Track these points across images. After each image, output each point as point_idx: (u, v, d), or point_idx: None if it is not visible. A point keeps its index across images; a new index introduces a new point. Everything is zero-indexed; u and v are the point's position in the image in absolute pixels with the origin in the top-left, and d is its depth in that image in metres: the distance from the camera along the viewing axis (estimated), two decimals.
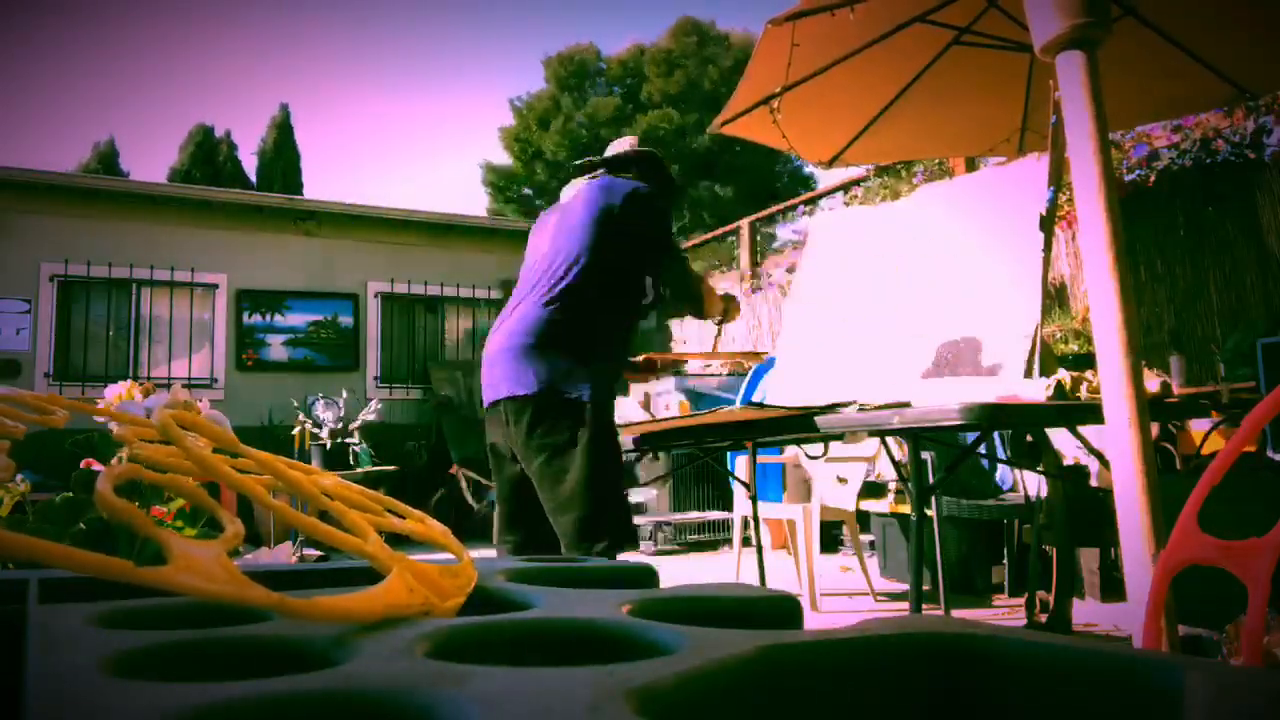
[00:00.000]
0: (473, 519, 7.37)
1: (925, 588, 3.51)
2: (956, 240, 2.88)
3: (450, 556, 0.56)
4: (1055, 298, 5.82)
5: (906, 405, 2.20)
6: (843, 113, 3.67)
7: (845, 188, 8.20)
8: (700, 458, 4.36)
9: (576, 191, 2.39)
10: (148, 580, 0.34)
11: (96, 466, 1.20)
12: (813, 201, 8.90)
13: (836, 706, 0.35)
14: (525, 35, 60.04)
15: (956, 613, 3.46)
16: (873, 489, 4.44)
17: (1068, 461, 3.70)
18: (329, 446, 7.33)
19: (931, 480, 3.57)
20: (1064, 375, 2.18)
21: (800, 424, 2.44)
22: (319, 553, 2.08)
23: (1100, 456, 2.82)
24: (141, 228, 8.40)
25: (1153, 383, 2.30)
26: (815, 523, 3.91)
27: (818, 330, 3.16)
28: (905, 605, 3.88)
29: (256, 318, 8.71)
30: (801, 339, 3.20)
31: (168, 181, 17.49)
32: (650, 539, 6.27)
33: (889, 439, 3.23)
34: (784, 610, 0.48)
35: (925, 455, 3.79)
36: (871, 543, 4.97)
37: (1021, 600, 3.63)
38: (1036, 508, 3.41)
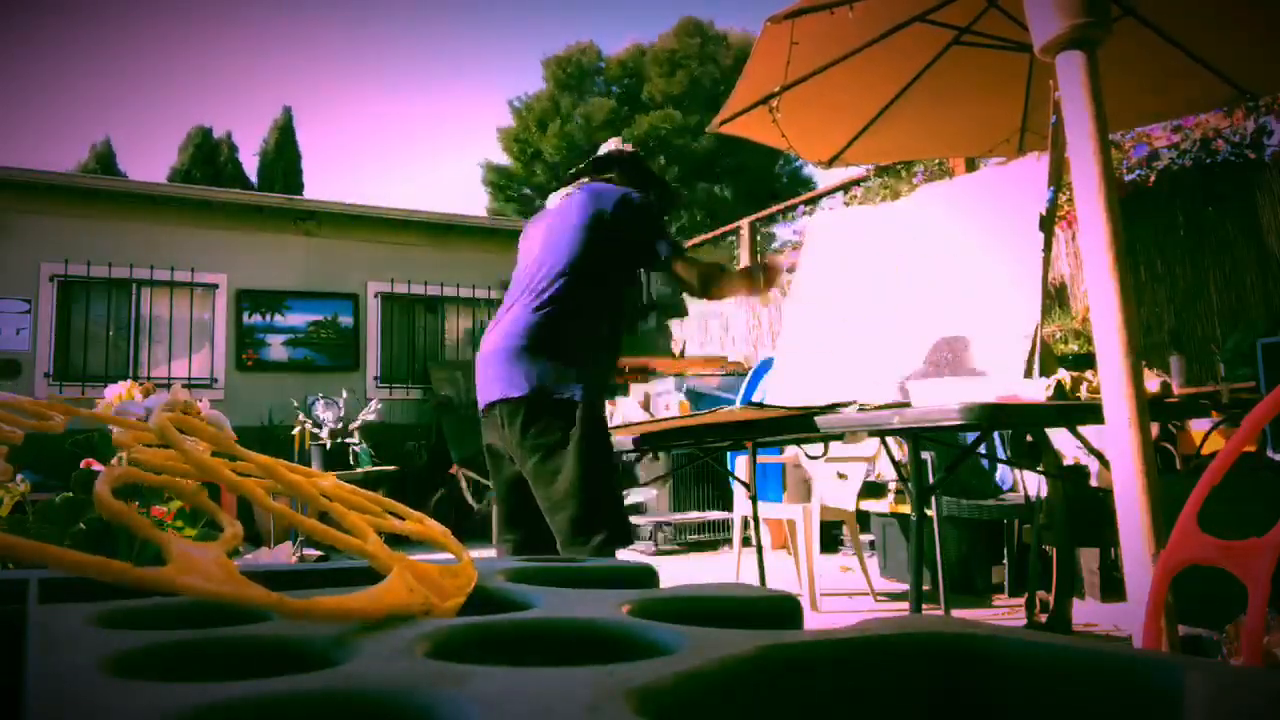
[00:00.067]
0: (473, 519, 7.37)
1: (925, 588, 3.51)
2: (956, 240, 2.88)
3: (450, 556, 0.56)
4: (1055, 298, 5.82)
5: (906, 405, 2.20)
6: (842, 112, 3.67)
7: (845, 188, 8.21)
8: (700, 458, 4.36)
9: (566, 199, 2.43)
10: (147, 581, 0.34)
11: (96, 467, 1.20)
12: (813, 201, 8.90)
13: (836, 707, 0.35)
14: (525, 35, 60.05)
15: (956, 613, 3.46)
16: (873, 489, 4.44)
17: (1068, 461, 3.70)
18: (329, 446, 7.33)
19: (931, 480, 3.57)
20: (1064, 375, 2.18)
21: (800, 424, 2.44)
22: (319, 553, 2.08)
23: (1100, 456, 2.82)
24: (141, 228, 8.40)
25: (1153, 383, 2.30)
26: (815, 523, 3.91)
27: (818, 330, 3.16)
28: (905, 605, 3.88)
29: (256, 318, 8.71)
30: (801, 339, 3.20)
31: (168, 182, 17.50)
32: (650, 539, 6.27)
33: (889, 439, 3.23)
34: (784, 610, 0.48)
35: (925, 455, 3.79)
36: (871, 543, 4.97)
37: (1021, 600, 3.63)
38: (1036, 508, 3.41)
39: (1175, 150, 5.44)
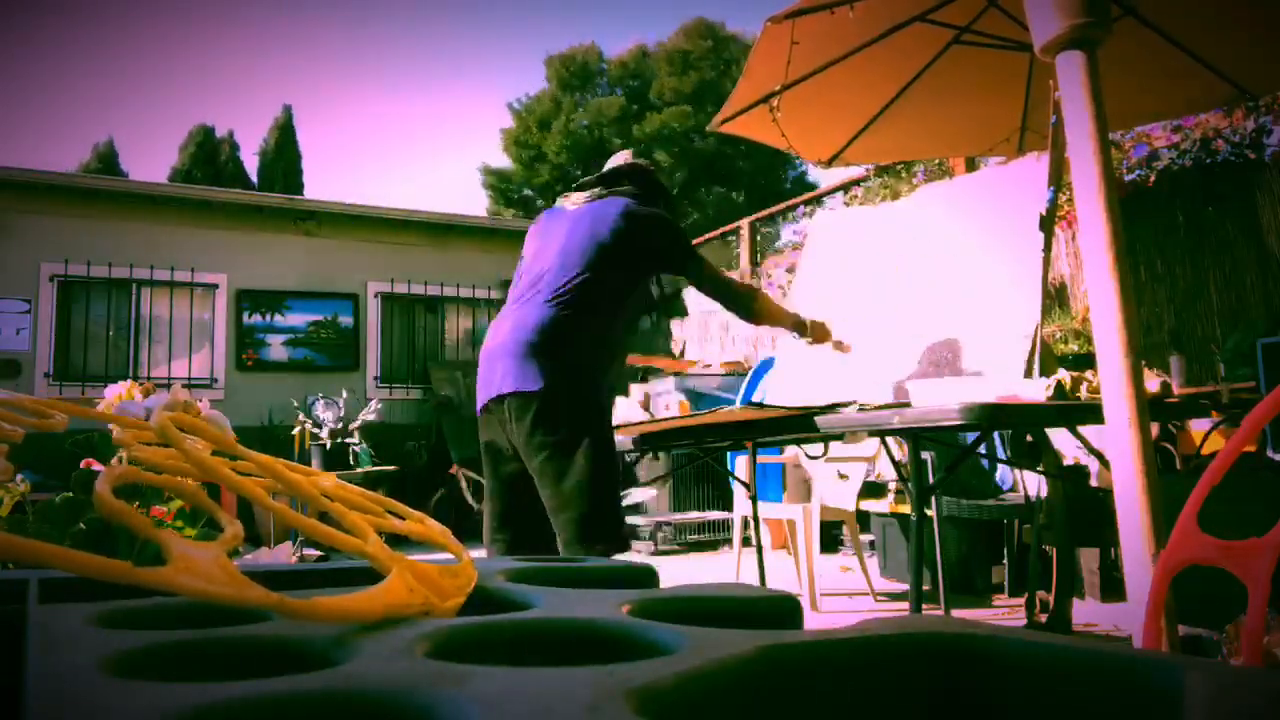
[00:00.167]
0: (473, 519, 7.37)
1: (925, 588, 3.51)
2: (956, 240, 2.88)
3: (450, 556, 0.56)
4: (1055, 298, 5.82)
5: (906, 405, 2.20)
6: (842, 112, 3.67)
7: (845, 188, 8.20)
8: (700, 458, 4.36)
9: (590, 205, 2.43)
10: (147, 581, 0.34)
11: (96, 466, 1.20)
12: (813, 201, 8.90)
13: (836, 706, 0.35)
14: (526, 35, 60.06)
15: (956, 613, 3.46)
16: (873, 489, 4.44)
17: (1068, 461, 3.69)
18: (329, 446, 7.33)
19: (931, 480, 3.57)
20: (1064, 375, 2.18)
21: (800, 424, 2.45)
22: (319, 553, 2.08)
23: (1100, 456, 2.82)
24: (141, 228, 8.40)
25: (1153, 383, 2.30)
26: (815, 523, 3.91)
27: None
28: (905, 605, 3.88)
29: (256, 318, 8.71)
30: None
31: (168, 182, 17.49)
32: (650, 539, 6.27)
33: (889, 439, 3.23)
34: (784, 610, 0.48)
35: (925, 455, 3.79)
36: (871, 543, 4.97)
37: (1021, 600, 3.63)
38: (1036, 508, 3.40)
39: (1175, 150, 5.43)
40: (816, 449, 3.94)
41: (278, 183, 20.56)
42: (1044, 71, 2.22)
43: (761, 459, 4.50)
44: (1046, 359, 2.45)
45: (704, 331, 8.85)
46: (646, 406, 6.26)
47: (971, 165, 5.67)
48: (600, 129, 21.75)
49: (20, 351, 7.84)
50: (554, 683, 0.29)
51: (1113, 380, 1.47)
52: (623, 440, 2.90)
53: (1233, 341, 4.44)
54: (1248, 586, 0.81)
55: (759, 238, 9.10)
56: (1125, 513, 1.43)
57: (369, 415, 7.61)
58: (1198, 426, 3.93)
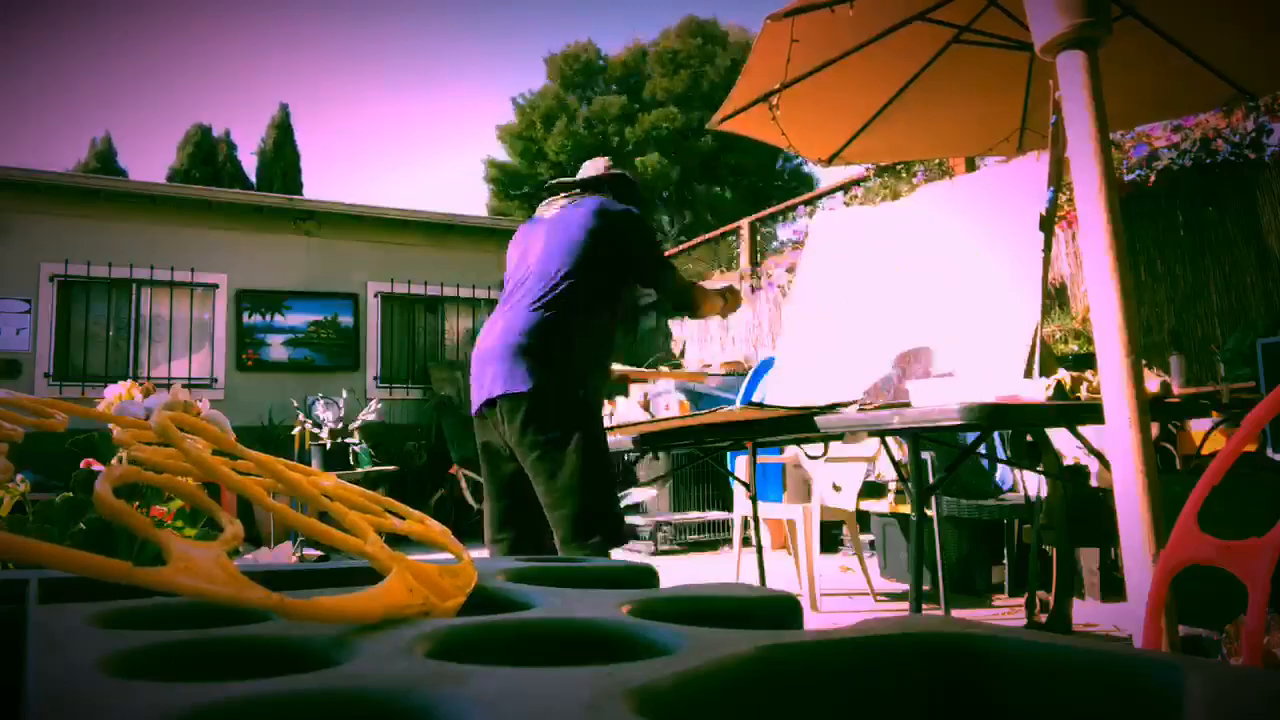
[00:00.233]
0: (472, 519, 7.37)
1: (925, 588, 3.51)
2: (956, 240, 2.88)
3: (450, 556, 0.56)
4: (1055, 298, 5.82)
5: (906, 405, 2.20)
6: (842, 110, 3.67)
7: (845, 188, 8.20)
8: (700, 458, 4.36)
9: (565, 209, 2.50)
10: (147, 581, 0.34)
11: (96, 466, 1.20)
12: (813, 201, 8.90)
13: (836, 706, 0.35)
14: (525, 34, 60.06)
15: (956, 613, 3.46)
16: (873, 489, 4.44)
17: (1068, 461, 3.69)
18: (329, 446, 7.33)
19: (931, 480, 3.57)
20: (1064, 375, 2.18)
21: (800, 424, 2.45)
22: (319, 553, 2.08)
23: (1100, 456, 2.82)
24: (141, 228, 8.40)
25: (1153, 383, 2.30)
26: (815, 523, 3.91)
27: (818, 330, 3.16)
28: (905, 605, 3.88)
29: (256, 318, 8.71)
30: (802, 339, 3.20)
31: (168, 182, 17.49)
32: (650, 539, 6.27)
33: (889, 439, 3.23)
34: (784, 610, 0.48)
35: (925, 455, 3.79)
36: (871, 543, 4.97)
37: (1021, 600, 3.63)
38: (1036, 508, 3.40)
39: (1175, 150, 5.43)
40: (816, 449, 3.94)
41: (276, 182, 20.55)
42: (1044, 71, 2.22)
43: (761, 459, 4.51)
44: (1046, 359, 2.45)
45: (704, 331, 8.85)
46: (646, 406, 6.26)
47: (971, 165, 5.67)
48: (604, 126, 21.74)
49: (20, 351, 7.84)
50: (554, 683, 0.29)
51: (1113, 380, 1.47)
52: (623, 440, 2.90)
53: (1233, 341, 4.44)
54: (1248, 586, 0.81)
55: (759, 237, 9.10)
56: (1125, 513, 1.43)
57: (369, 415, 7.60)
58: (1198, 426, 3.93)
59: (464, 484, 7.68)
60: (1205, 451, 3.55)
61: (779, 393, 3.08)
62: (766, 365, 4.06)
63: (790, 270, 7.66)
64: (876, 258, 3.12)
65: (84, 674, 0.31)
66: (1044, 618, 3.11)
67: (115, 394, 1.47)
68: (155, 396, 1.45)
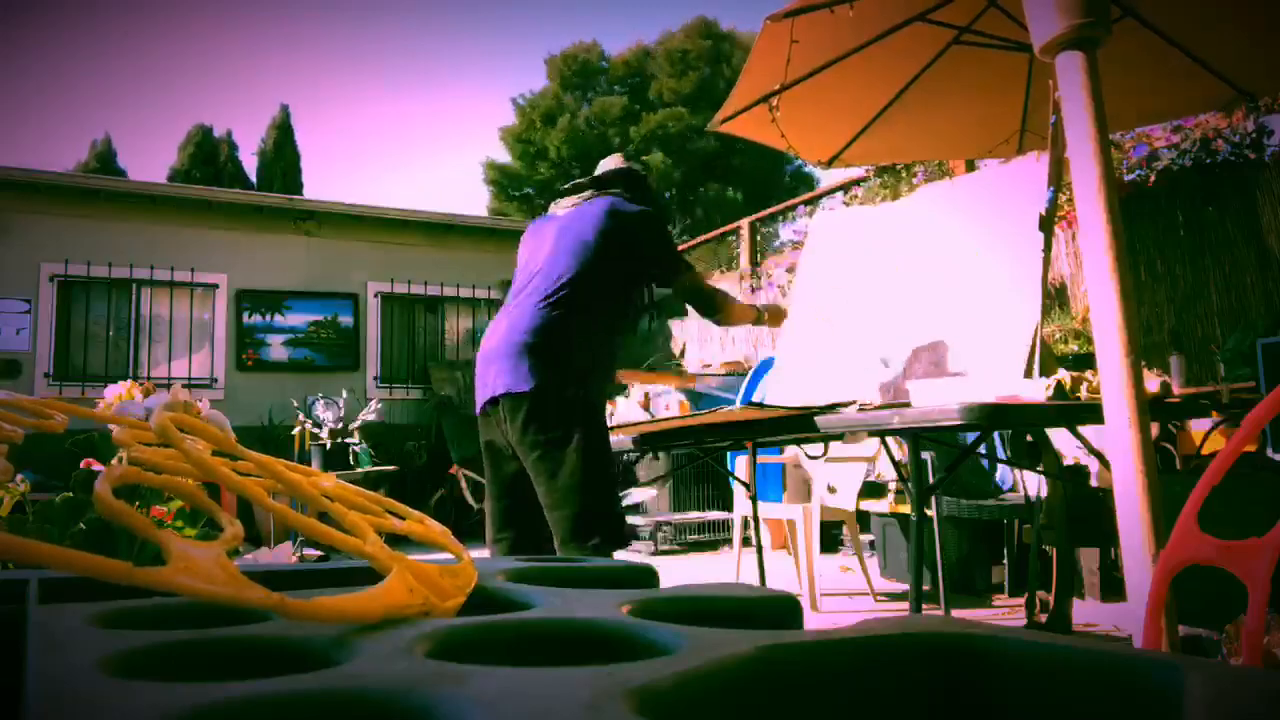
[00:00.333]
0: (472, 519, 7.37)
1: (925, 588, 3.51)
2: (957, 240, 2.88)
3: (450, 556, 0.56)
4: (1055, 298, 5.82)
5: (906, 405, 2.20)
6: (842, 112, 3.67)
7: (845, 188, 8.20)
8: (700, 458, 4.36)
9: (578, 207, 2.48)
10: (147, 581, 0.34)
11: (96, 467, 1.20)
12: (813, 201, 8.90)
13: (836, 706, 0.35)
14: (525, 35, 60.10)
15: (956, 613, 3.46)
16: (873, 489, 4.44)
17: (1068, 461, 3.69)
18: (329, 446, 7.33)
19: (931, 480, 3.57)
20: (1064, 375, 2.18)
21: (800, 424, 2.45)
22: (319, 553, 2.08)
23: (1100, 456, 2.82)
24: (141, 228, 8.41)
25: (1153, 383, 2.30)
26: (815, 523, 3.91)
27: (818, 330, 3.16)
28: (905, 605, 3.88)
29: (256, 318, 8.71)
30: (802, 339, 3.20)
31: (168, 182, 17.49)
32: (650, 539, 6.27)
33: (889, 439, 3.23)
34: (784, 610, 0.48)
35: (925, 455, 3.79)
36: (871, 543, 4.97)
37: (1021, 600, 3.63)
38: (1036, 508, 3.40)
39: (1175, 150, 5.43)
40: (816, 449, 3.94)
41: (277, 183, 20.55)
42: (1044, 72, 2.22)
43: (761, 459, 4.51)
44: (1046, 359, 2.45)
45: (704, 332, 8.85)
46: (646, 406, 6.26)
47: (971, 166, 5.67)
48: (604, 127, 21.73)
49: (20, 351, 7.84)
50: (554, 683, 0.29)
51: (1113, 380, 1.47)
52: (623, 440, 2.90)
53: (1233, 341, 4.44)
54: (1248, 586, 0.81)
55: (759, 237, 9.10)
56: (1125, 513, 1.43)
57: (369, 415, 7.60)
58: (1198, 426, 3.93)
59: (464, 484, 7.68)
60: (1205, 451, 3.55)
61: (779, 393, 3.07)
62: (766, 365, 4.06)
63: (790, 270, 7.66)
64: (876, 258, 3.12)
65: (84, 674, 0.31)
66: (1044, 618, 3.11)
67: (115, 394, 1.47)
68: (155, 397, 1.46)
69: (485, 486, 2.54)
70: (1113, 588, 3.78)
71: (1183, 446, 4.19)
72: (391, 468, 7.34)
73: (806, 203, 9.03)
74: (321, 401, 8.13)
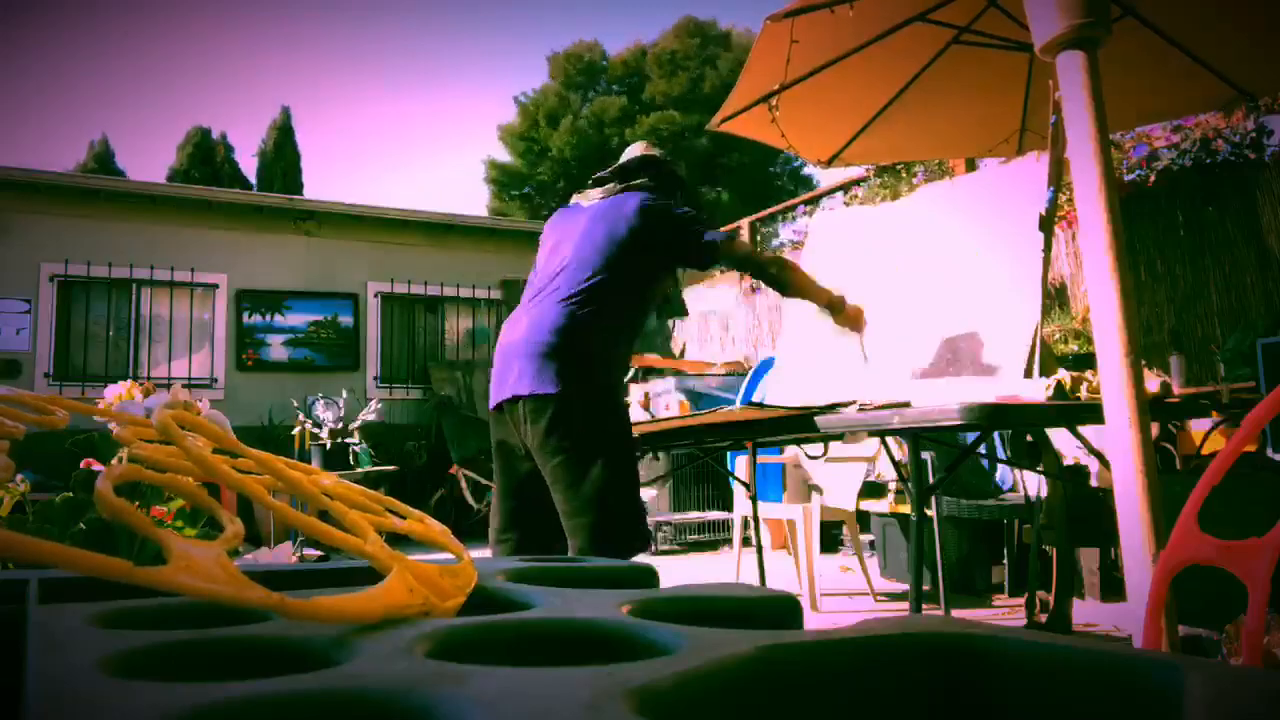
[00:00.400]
0: (472, 519, 7.36)
1: (925, 588, 3.51)
2: (956, 240, 2.88)
3: (450, 556, 0.56)
4: (1055, 298, 5.82)
5: (906, 405, 2.20)
6: (842, 112, 3.67)
7: (845, 188, 8.20)
8: (700, 458, 4.36)
9: (604, 201, 2.38)
10: (147, 580, 0.34)
11: (96, 466, 1.20)
12: (813, 201, 8.90)
13: (836, 706, 0.35)
14: (526, 34, 60.05)
15: (956, 613, 3.46)
16: (873, 489, 4.44)
17: (1068, 461, 3.70)
18: (329, 446, 7.33)
19: (931, 480, 3.57)
20: (1064, 375, 2.18)
21: (800, 424, 2.44)
22: (319, 553, 2.08)
23: (1100, 456, 2.82)
24: (141, 228, 8.40)
25: (1153, 383, 2.30)
26: (815, 523, 3.91)
27: (818, 330, 3.16)
28: (905, 605, 3.88)
29: (256, 318, 8.71)
30: (802, 339, 3.20)
31: (167, 182, 17.49)
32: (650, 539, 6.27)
33: (889, 439, 3.23)
34: (784, 610, 0.48)
35: (925, 455, 3.79)
36: (871, 543, 4.97)
37: (1021, 600, 3.63)
38: (1036, 508, 3.41)
39: (1175, 150, 5.44)
40: (816, 449, 3.94)
41: (277, 183, 20.55)
42: (1044, 71, 2.22)
43: (761, 459, 4.50)
44: (1046, 359, 2.45)
45: (704, 331, 8.85)
46: (646, 406, 6.26)
47: (971, 165, 5.67)
48: (603, 127, 21.72)
49: (20, 351, 7.84)
50: (554, 683, 0.29)
51: (1113, 380, 1.47)
52: None
53: (1233, 341, 4.44)
54: (1248, 586, 0.81)
55: (759, 237, 9.10)
56: (1125, 513, 1.43)
57: (369, 415, 7.60)
58: (1198, 426, 3.93)
59: (464, 484, 7.68)
60: (1205, 451, 3.55)
61: (779, 393, 3.07)
62: (766, 365, 4.06)
63: None
64: (876, 258, 3.12)
65: (84, 674, 0.31)
66: (1044, 618, 3.11)
67: (115, 394, 1.48)
68: (155, 396, 1.46)
69: (492, 485, 2.47)
70: (1113, 588, 3.78)
71: (1183, 446, 4.19)
72: (391, 468, 7.33)
73: (806, 203, 9.03)
74: (321, 401, 8.13)
